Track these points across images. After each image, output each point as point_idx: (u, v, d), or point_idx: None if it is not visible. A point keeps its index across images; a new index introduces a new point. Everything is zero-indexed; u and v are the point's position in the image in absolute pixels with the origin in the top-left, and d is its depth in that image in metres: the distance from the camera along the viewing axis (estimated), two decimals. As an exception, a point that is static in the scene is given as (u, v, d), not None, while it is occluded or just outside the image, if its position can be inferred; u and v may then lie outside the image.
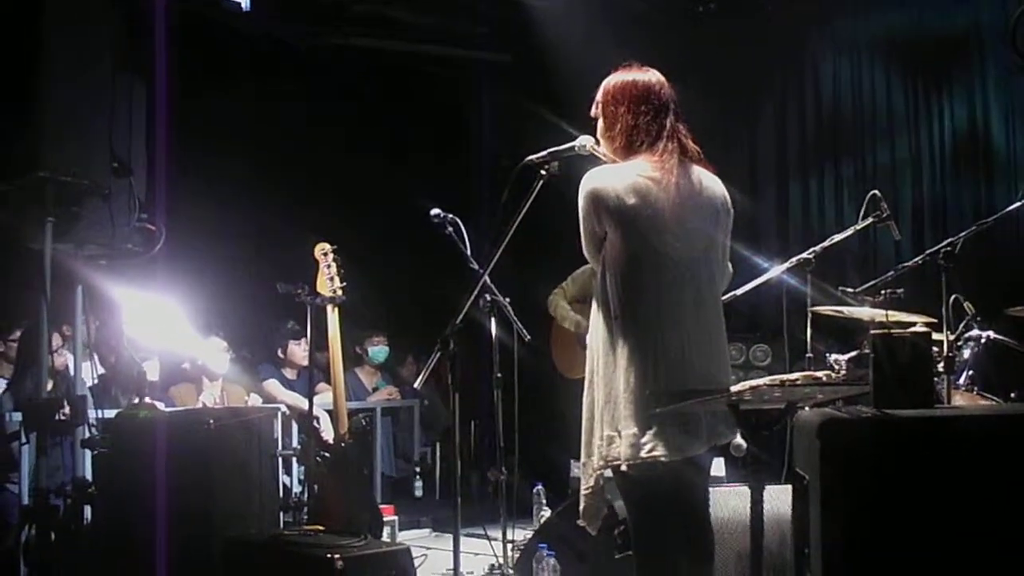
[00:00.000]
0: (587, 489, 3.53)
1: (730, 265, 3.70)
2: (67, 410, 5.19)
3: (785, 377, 3.13)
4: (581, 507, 3.58)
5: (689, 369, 3.35)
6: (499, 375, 5.56)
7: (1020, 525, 2.99)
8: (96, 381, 6.37)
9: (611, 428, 3.38)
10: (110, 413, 5.86)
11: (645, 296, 3.40)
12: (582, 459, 3.53)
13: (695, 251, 3.46)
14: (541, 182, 3.82)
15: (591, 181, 3.45)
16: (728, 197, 3.60)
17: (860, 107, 8.91)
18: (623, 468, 3.35)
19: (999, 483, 3.04)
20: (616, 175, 3.44)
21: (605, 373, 3.43)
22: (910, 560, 3.03)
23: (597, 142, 3.66)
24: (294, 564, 4.68)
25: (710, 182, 3.55)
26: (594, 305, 3.55)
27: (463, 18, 9.67)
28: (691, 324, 3.40)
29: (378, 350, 8.94)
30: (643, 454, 3.30)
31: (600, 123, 3.61)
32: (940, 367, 4.72)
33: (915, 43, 8.63)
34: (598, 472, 3.46)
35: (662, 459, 3.28)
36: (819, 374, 3.33)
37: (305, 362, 7.45)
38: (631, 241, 3.41)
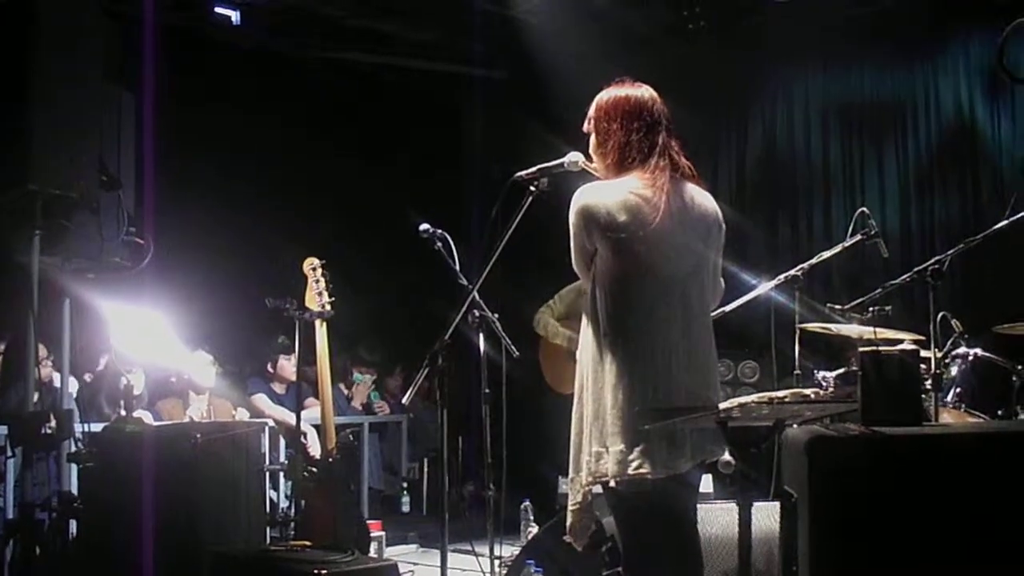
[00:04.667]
0: (575, 505, 3.52)
1: (722, 281, 3.70)
2: (53, 424, 5.16)
3: (774, 394, 3.13)
4: (568, 523, 3.57)
5: (677, 386, 3.35)
6: (487, 391, 5.55)
7: (1007, 541, 2.99)
8: (75, 394, 6.34)
9: (599, 444, 3.37)
10: (96, 427, 5.84)
11: (634, 313, 3.40)
12: (570, 474, 3.52)
13: (685, 268, 3.46)
14: (530, 198, 3.82)
15: (583, 197, 3.45)
16: (720, 213, 3.60)
17: (849, 124, 8.97)
18: (611, 484, 3.35)
19: (986, 500, 3.04)
20: (608, 192, 3.43)
21: (594, 389, 3.42)
22: (898, 578, 3.03)
23: (589, 158, 3.66)
24: (281, 579, 4.67)
25: (702, 199, 3.55)
26: (584, 320, 3.54)
27: (457, 34, 9.68)
28: (680, 341, 3.40)
29: (360, 377, 9.00)
30: (630, 471, 3.29)
31: (592, 139, 3.60)
32: (928, 384, 4.73)
33: (907, 57, 8.69)
34: (586, 488, 3.46)
35: (648, 476, 3.28)
36: (807, 391, 3.34)
37: (294, 377, 7.44)
38: (621, 258, 3.40)
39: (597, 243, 3.43)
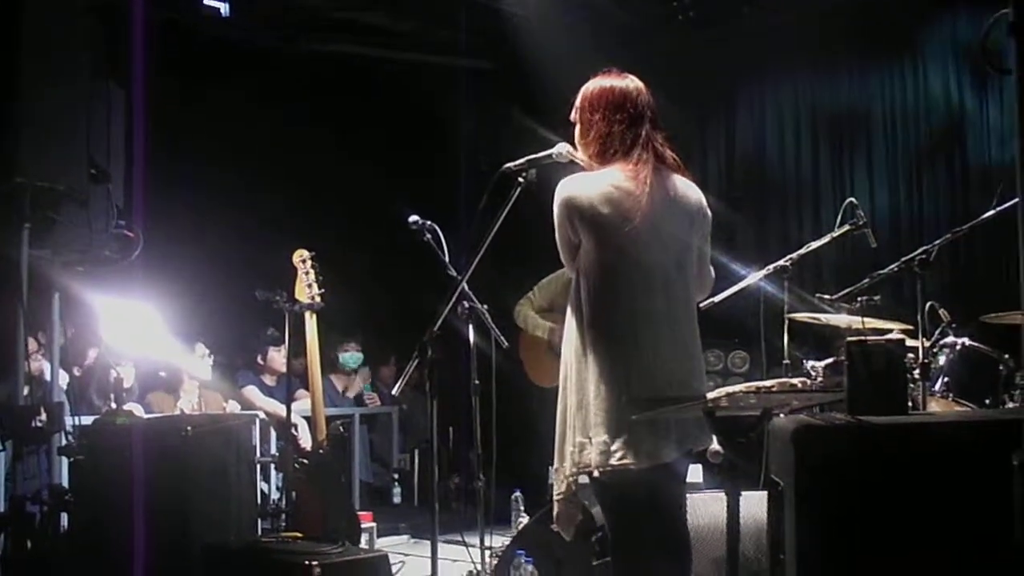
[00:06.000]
0: (559, 495, 3.53)
1: (712, 269, 3.71)
2: (43, 417, 5.16)
3: (761, 384, 3.15)
4: (554, 512, 3.58)
5: (660, 376, 3.37)
6: (477, 382, 5.57)
7: (993, 531, 3.01)
8: (66, 388, 6.34)
9: (583, 435, 3.39)
10: (87, 420, 5.84)
11: (616, 304, 3.41)
12: (555, 464, 3.54)
13: (669, 259, 3.47)
14: (519, 189, 3.82)
15: (565, 189, 3.47)
16: (704, 202, 3.61)
17: (837, 114, 8.97)
18: (595, 474, 3.37)
19: (972, 489, 3.06)
20: (590, 183, 3.45)
21: (578, 380, 3.44)
22: (884, 566, 3.05)
23: (576, 147, 3.67)
24: (272, 571, 4.68)
25: (685, 189, 3.56)
26: (568, 312, 3.56)
27: (443, 25, 9.67)
28: (663, 331, 3.41)
29: (348, 356, 8.94)
30: (613, 461, 3.31)
31: (577, 128, 3.62)
32: (916, 373, 4.75)
33: (895, 48, 8.71)
34: (570, 478, 3.47)
35: (632, 466, 3.30)
36: (795, 381, 3.35)
37: (284, 368, 7.44)
38: (604, 250, 3.42)
39: (581, 235, 3.45)
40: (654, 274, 3.44)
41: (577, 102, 3.62)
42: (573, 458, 3.42)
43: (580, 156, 3.62)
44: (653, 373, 3.36)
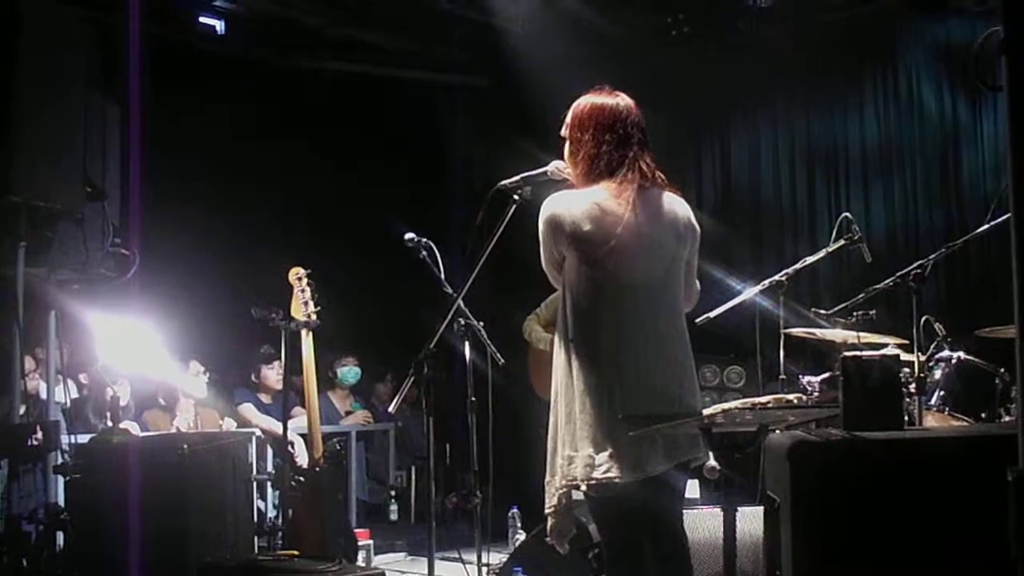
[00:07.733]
0: (550, 508, 3.52)
1: (697, 283, 3.72)
2: (39, 435, 5.16)
3: (757, 400, 3.15)
4: (547, 525, 3.58)
5: (645, 390, 3.38)
6: (473, 399, 5.56)
7: (988, 545, 3.01)
8: (69, 405, 6.32)
9: (571, 448, 3.41)
10: (83, 438, 5.83)
11: (600, 320, 3.43)
12: (547, 478, 3.54)
13: (654, 275, 3.48)
14: (514, 207, 3.83)
15: (549, 207, 3.50)
16: (692, 217, 3.61)
17: (833, 128, 8.99)
18: (583, 488, 3.38)
19: (967, 503, 3.06)
20: (574, 201, 3.47)
21: (565, 394, 3.46)
22: (881, 581, 3.05)
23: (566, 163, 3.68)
24: (269, 589, 4.67)
25: (672, 204, 3.56)
26: (558, 326, 3.57)
27: (438, 42, 9.69)
28: (648, 346, 3.42)
29: (347, 371, 8.89)
30: (596, 474, 3.33)
31: (566, 145, 3.63)
32: (912, 388, 4.76)
33: (887, 62, 8.73)
34: (561, 491, 3.47)
35: (616, 480, 3.30)
36: (790, 396, 3.35)
37: (279, 386, 7.43)
38: (587, 266, 3.44)
39: (564, 251, 3.47)
40: (637, 290, 3.45)
41: (568, 119, 3.63)
42: (563, 471, 3.43)
43: (569, 173, 3.64)
44: (637, 387, 3.37)
